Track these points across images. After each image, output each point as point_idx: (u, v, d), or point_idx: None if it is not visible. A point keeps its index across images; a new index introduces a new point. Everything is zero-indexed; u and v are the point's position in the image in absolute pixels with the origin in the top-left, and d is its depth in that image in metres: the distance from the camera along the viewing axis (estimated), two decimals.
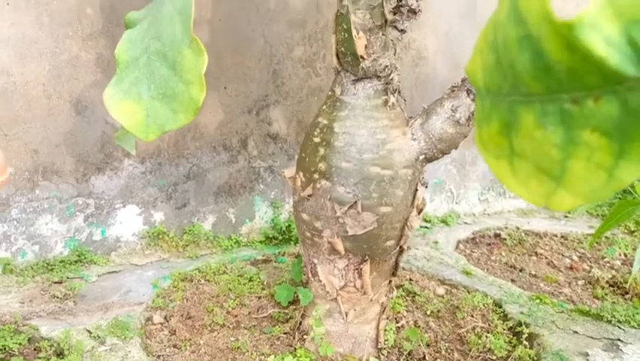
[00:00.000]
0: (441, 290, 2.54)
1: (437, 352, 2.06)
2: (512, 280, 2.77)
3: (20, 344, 1.94)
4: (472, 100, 1.63)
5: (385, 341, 2.01)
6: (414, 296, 2.44)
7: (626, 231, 3.51)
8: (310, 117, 3.06)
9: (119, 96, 1.12)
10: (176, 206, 2.86)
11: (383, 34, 1.61)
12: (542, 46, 0.42)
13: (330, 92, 1.78)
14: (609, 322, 2.24)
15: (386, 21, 1.60)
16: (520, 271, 2.91)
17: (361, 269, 1.81)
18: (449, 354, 2.06)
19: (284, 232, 3.06)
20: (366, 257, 1.79)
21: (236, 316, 2.23)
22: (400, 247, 1.83)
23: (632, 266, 3.03)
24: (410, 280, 2.61)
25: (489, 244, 3.32)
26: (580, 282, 2.80)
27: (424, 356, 2.02)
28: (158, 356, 1.94)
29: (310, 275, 1.93)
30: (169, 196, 2.83)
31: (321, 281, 1.87)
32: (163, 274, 2.55)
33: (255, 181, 3.06)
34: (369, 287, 1.84)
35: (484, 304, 2.37)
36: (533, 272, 2.90)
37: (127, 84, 1.12)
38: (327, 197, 1.72)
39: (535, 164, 0.48)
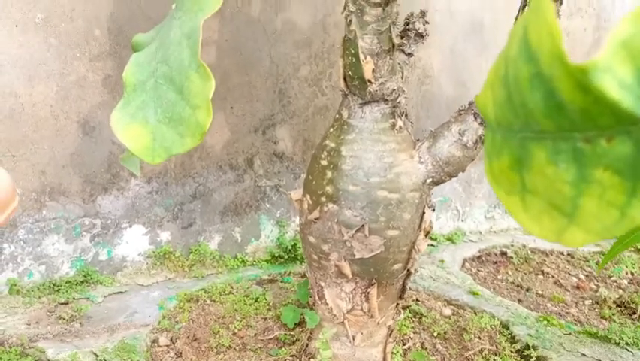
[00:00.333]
0: (448, 311, 2.52)
1: None
2: (519, 300, 2.75)
3: None
4: (480, 124, 1.63)
5: None
6: (420, 317, 2.42)
7: (632, 249, 3.49)
8: (316, 136, 3.07)
9: (126, 120, 1.12)
10: (182, 226, 2.86)
11: (390, 59, 1.62)
12: (554, 85, 0.42)
13: (337, 115, 1.78)
14: (617, 344, 2.22)
15: (393, 45, 1.60)
16: (527, 290, 2.89)
17: (368, 293, 1.80)
18: None
19: (290, 250, 3.05)
20: (374, 280, 1.78)
21: (242, 338, 2.22)
22: (408, 270, 1.82)
23: (639, 286, 3.01)
24: (417, 300, 2.60)
25: (495, 263, 3.31)
26: (587, 302, 2.78)
27: None
28: None
29: (317, 298, 1.92)
30: (175, 216, 2.83)
31: (328, 304, 1.86)
32: (169, 295, 2.54)
33: (260, 200, 3.06)
34: (376, 311, 1.83)
35: (491, 326, 2.35)
36: (540, 292, 2.88)
37: (134, 108, 1.12)
38: (335, 220, 1.71)
39: (547, 200, 0.48)
